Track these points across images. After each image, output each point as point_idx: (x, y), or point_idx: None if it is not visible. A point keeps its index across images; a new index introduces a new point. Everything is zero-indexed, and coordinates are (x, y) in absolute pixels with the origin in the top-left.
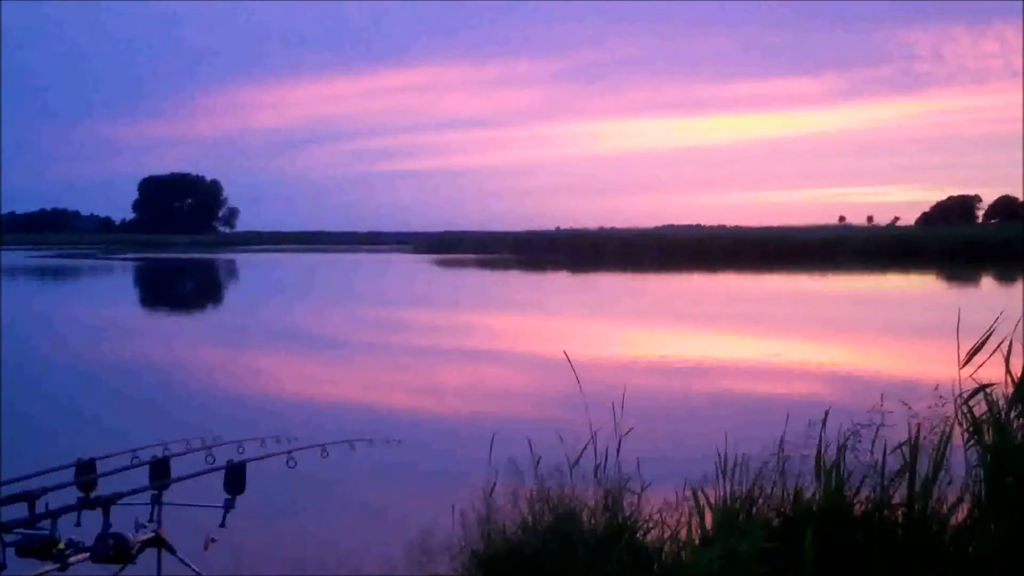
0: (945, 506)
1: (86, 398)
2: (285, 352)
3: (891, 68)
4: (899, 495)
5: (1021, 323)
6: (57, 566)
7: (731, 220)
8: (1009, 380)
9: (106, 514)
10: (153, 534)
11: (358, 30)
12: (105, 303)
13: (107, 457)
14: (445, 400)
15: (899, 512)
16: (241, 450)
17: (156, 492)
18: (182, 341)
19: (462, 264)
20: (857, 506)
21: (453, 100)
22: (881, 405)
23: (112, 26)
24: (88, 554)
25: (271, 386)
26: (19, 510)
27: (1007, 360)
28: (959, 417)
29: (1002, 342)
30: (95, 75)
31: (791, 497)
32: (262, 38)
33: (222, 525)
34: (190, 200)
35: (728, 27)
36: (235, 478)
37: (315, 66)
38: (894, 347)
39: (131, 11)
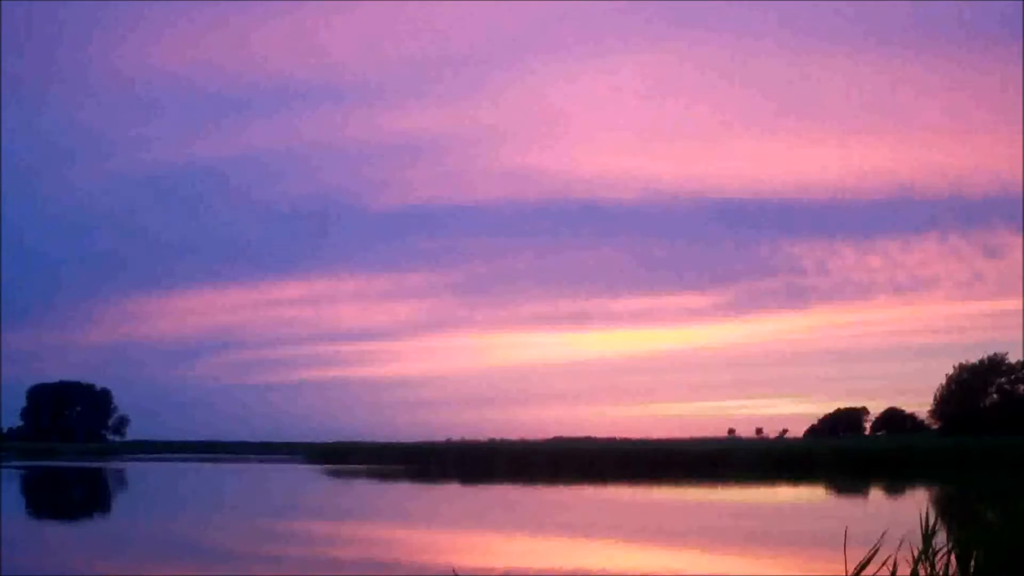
0: None
1: None
2: (168, 563)
3: (777, 282)
4: None
5: (906, 538)
6: None
7: (620, 432)
8: None
9: None
10: None
11: (252, 242)
12: None
13: None
14: None
15: None
16: None
17: None
18: (64, 551)
19: (353, 474)
20: None
21: (346, 312)
22: None
23: (12, 233)
24: None
25: None
26: None
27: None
28: None
29: (887, 559)
30: None
31: None
32: (158, 247)
33: None
34: (79, 408)
35: (614, 241)
36: None
37: (210, 276)
38: (784, 559)
39: (29, 216)
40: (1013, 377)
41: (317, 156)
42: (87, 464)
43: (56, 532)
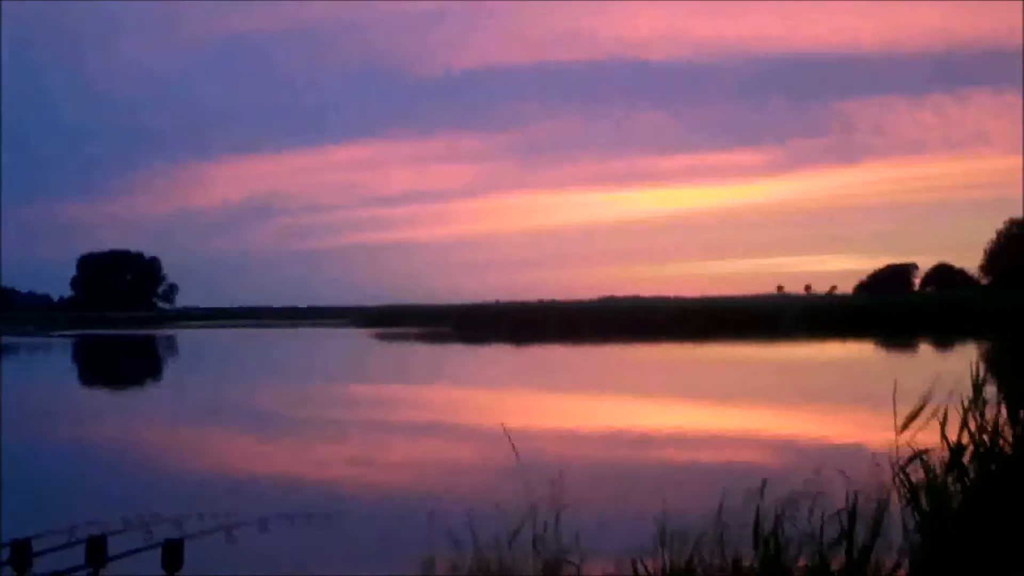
0: (883, 572)
1: (21, 477)
2: (223, 428)
3: (829, 139)
4: (837, 562)
5: (955, 390)
6: None
7: (671, 291)
8: (945, 446)
9: None
10: None
11: (303, 108)
12: (41, 381)
13: (42, 536)
14: (384, 474)
15: None
16: (180, 527)
17: (92, 570)
18: (119, 419)
19: (403, 338)
20: (795, 574)
21: (398, 175)
22: (819, 473)
23: (62, 107)
24: None
25: (210, 462)
26: None
27: (942, 426)
28: (896, 483)
29: (937, 409)
30: (43, 157)
31: (730, 566)
32: (207, 116)
33: None
34: (129, 277)
35: (665, 100)
36: (172, 556)
37: (260, 143)
38: (833, 414)
39: (80, 93)
40: None
41: (369, 22)
42: (138, 332)
43: (106, 399)
